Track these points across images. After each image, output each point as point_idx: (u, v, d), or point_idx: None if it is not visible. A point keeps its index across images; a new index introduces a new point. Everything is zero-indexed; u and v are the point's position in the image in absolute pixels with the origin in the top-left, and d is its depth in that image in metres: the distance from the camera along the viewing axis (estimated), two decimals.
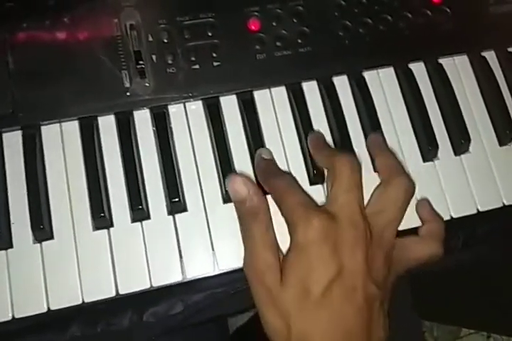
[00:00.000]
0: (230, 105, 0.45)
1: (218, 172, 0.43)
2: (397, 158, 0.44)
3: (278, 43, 0.46)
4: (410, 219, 0.43)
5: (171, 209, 0.42)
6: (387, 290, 0.39)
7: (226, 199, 0.42)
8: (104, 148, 0.43)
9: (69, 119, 0.43)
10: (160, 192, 0.42)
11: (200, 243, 0.41)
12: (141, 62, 0.44)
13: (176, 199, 0.41)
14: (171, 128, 0.44)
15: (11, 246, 0.40)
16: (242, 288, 0.43)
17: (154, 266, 0.41)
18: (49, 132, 0.43)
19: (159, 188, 0.42)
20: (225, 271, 0.41)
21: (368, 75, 0.47)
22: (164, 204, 0.42)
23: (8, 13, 0.44)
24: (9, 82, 0.43)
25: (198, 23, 0.46)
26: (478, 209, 0.45)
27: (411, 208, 0.42)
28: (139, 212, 0.41)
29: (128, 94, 0.44)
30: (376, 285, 0.37)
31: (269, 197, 0.41)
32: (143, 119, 0.44)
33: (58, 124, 0.43)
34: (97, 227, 0.41)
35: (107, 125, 0.44)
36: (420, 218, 0.43)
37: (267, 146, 0.44)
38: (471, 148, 0.46)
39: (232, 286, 0.44)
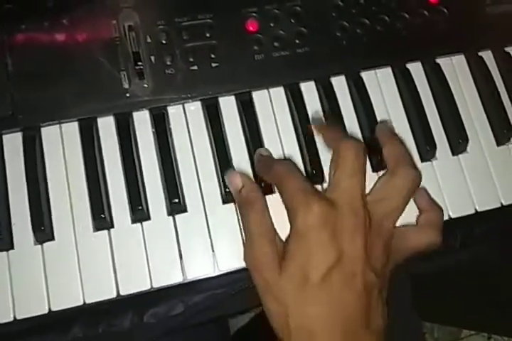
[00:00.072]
0: (228, 106, 0.45)
1: (218, 173, 0.43)
2: (405, 147, 0.44)
3: (276, 44, 0.46)
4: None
5: (171, 210, 0.42)
6: (386, 279, 0.39)
7: (226, 199, 0.42)
8: (103, 149, 0.43)
9: (68, 121, 0.43)
10: (160, 193, 0.42)
11: (200, 244, 0.42)
12: (139, 63, 0.44)
13: (176, 200, 0.41)
14: (170, 129, 0.44)
15: (12, 248, 0.41)
16: (243, 289, 0.43)
17: (155, 267, 0.41)
18: (49, 133, 0.43)
19: (159, 189, 0.43)
20: (225, 271, 0.41)
21: (366, 75, 0.47)
22: (164, 205, 0.42)
23: (6, 15, 0.44)
24: (8, 83, 0.43)
25: (196, 24, 0.46)
26: (476, 209, 0.45)
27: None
28: (139, 212, 0.41)
29: (127, 95, 0.44)
30: (375, 273, 0.37)
31: (269, 197, 0.41)
32: (142, 120, 0.44)
33: (58, 126, 0.43)
34: (97, 228, 0.41)
35: (107, 126, 0.44)
36: (418, 207, 0.43)
37: (266, 146, 0.44)
38: (468, 148, 0.47)
39: (232, 287, 0.44)
